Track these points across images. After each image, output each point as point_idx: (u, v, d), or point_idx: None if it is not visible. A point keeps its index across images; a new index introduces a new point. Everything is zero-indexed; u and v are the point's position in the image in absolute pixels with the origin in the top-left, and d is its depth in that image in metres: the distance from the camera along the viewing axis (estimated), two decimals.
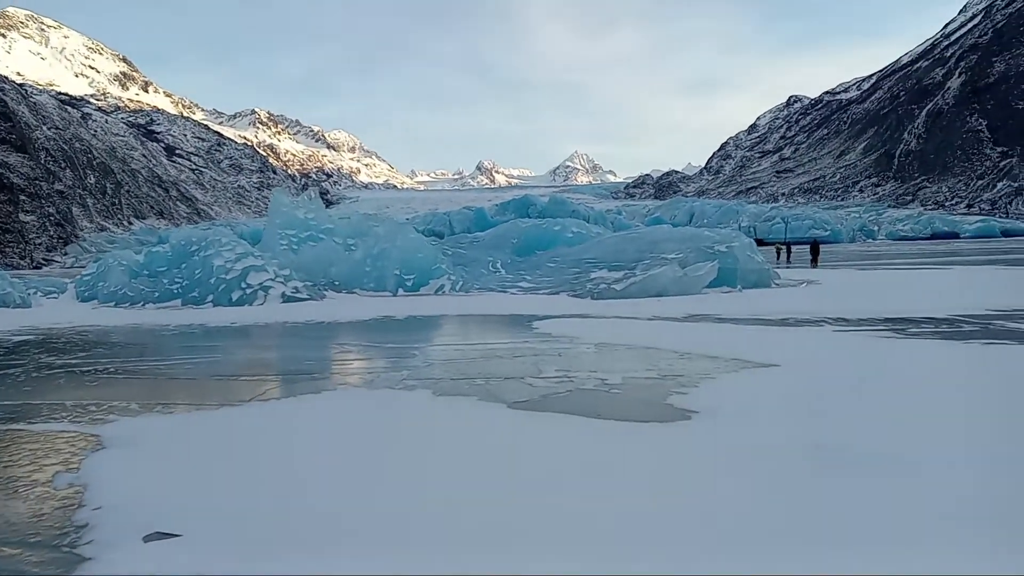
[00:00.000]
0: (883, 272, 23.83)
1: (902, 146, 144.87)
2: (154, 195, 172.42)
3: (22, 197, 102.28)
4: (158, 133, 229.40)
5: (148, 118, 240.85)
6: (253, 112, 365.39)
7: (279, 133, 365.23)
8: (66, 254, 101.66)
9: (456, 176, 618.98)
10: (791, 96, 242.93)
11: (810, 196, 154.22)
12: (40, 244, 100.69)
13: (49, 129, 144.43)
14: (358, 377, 6.60)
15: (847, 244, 70.92)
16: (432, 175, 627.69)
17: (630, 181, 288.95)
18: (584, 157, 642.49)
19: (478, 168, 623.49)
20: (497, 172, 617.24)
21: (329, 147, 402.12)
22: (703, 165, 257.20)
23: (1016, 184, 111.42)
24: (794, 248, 40.12)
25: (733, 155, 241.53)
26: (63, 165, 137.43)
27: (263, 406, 5.34)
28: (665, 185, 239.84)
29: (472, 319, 12.42)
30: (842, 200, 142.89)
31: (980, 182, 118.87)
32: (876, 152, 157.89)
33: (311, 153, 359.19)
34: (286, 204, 24.92)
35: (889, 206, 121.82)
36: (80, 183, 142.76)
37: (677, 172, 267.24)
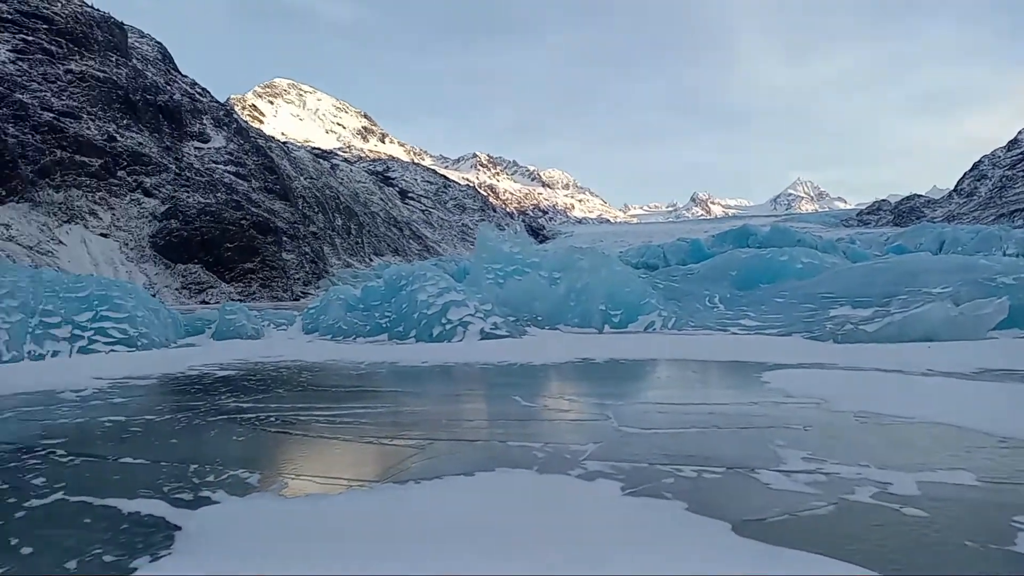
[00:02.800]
0: None
1: None
2: (390, 234, 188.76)
3: (284, 239, 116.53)
4: (393, 179, 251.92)
5: (385, 166, 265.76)
6: (474, 155, 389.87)
7: (498, 174, 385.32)
8: (318, 287, 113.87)
9: (670, 208, 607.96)
10: None
11: None
12: (298, 279, 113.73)
13: (305, 179, 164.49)
14: (525, 451, 5.09)
15: None
16: (645, 208, 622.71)
17: (863, 208, 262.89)
18: (808, 184, 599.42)
19: (692, 200, 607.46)
20: (712, 203, 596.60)
21: (544, 185, 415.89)
22: (951, 188, 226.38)
23: None
24: None
25: (989, 175, 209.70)
26: (316, 210, 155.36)
27: (396, 490, 4.02)
28: (905, 211, 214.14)
29: (685, 367, 10.49)
30: None
31: None
32: None
33: (528, 191, 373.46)
34: (492, 238, 24.61)
35: None
36: (330, 225, 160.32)
37: (920, 196, 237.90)
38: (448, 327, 16.28)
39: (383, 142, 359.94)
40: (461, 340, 15.73)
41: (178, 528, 3.37)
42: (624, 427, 5.75)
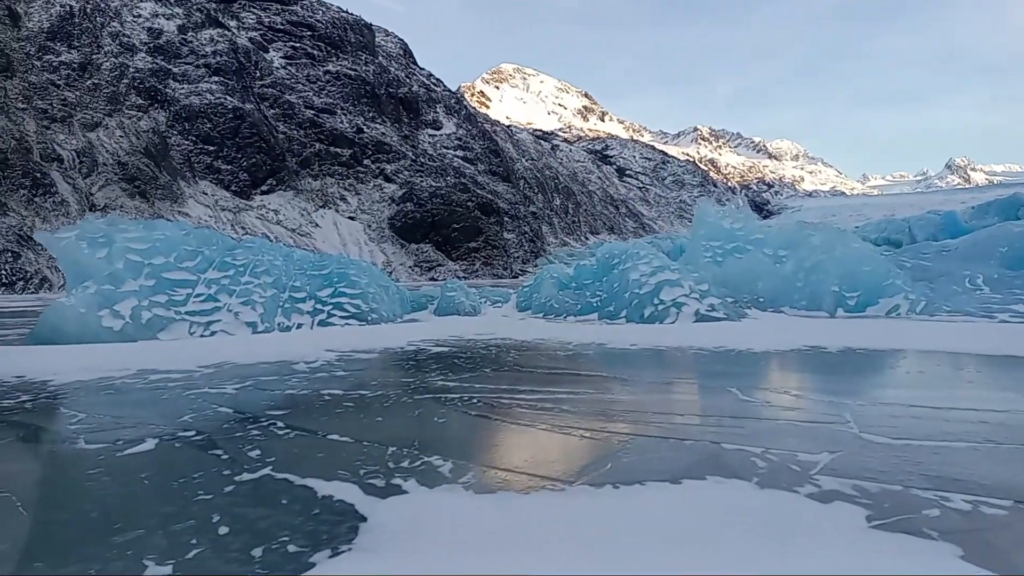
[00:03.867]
0: None
1: None
2: (607, 213, 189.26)
3: (505, 219, 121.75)
4: (611, 157, 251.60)
5: (604, 144, 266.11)
6: (695, 130, 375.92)
7: (720, 147, 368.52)
8: (536, 265, 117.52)
9: (919, 178, 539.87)
10: None
11: None
12: (518, 257, 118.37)
13: (527, 161, 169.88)
14: (742, 457, 4.43)
15: None
16: (888, 178, 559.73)
17: None
18: None
19: (947, 167, 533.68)
20: (973, 170, 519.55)
21: (771, 157, 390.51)
22: None
23: None
24: None
25: None
26: (536, 190, 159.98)
27: (592, 493, 3.63)
28: None
29: (941, 360, 8.89)
30: None
31: None
32: None
33: (752, 164, 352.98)
34: (711, 214, 23.25)
35: None
36: (548, 205, 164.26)
37: None
38: (660, 308, 15.58)
39: (602, 120, 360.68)
40: (674, 322, 14.96)
41: (364, 519, 3.27)
42: (867, 434, 4.82)
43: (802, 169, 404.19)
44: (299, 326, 15.80)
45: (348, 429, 5.26)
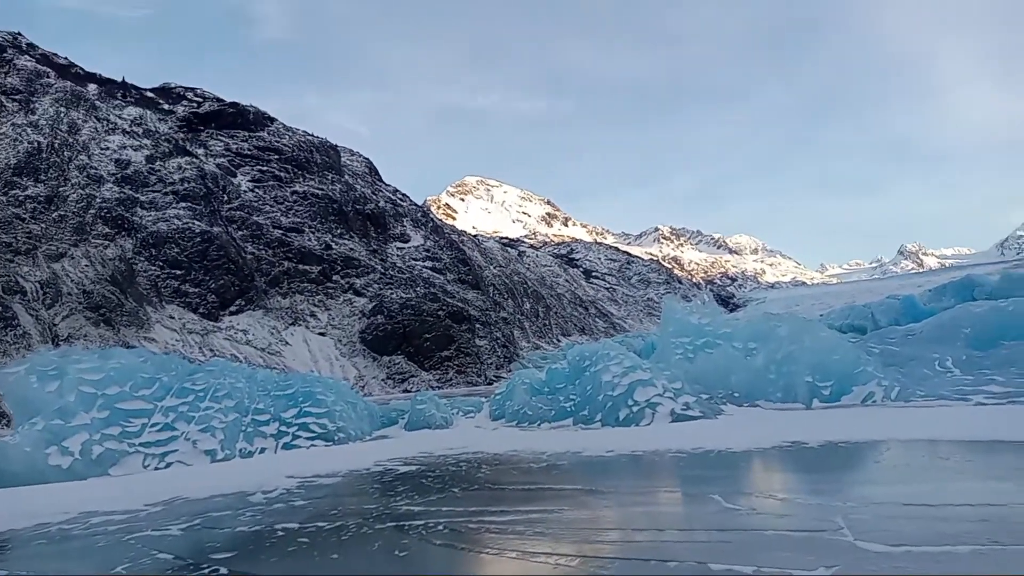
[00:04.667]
0: None
1: None
2: (577, 314, 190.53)
3: (477, 326, 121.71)
4: (577, 260, 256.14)
5: (569, 248, 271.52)
6: (657, 229, 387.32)
7: (681, 245, 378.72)
8: (509, 371, 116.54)
9: (874, 264, 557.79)
10: None
11: None
12: (491, 363, 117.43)
13: (495, 268, 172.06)
14: None
15: None
16: (845, 267, 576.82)
17: None
18: None
19: (900, 253, 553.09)
20: (925, 254, 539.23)
21: (731, 252, 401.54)
22: None
23: None
24: None
25: None
26: (506, 296, 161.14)
27: None
28: None
29: (926, 450, 8.63)
30: None
31: None
32: None
33: (714, 260, 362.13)
34: (678, 311, 23.34)
35: None
36: (519, 309, 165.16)
37: None
38: (635, 409, 15.21)
39: (566, 225, 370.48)
40: (650, 423, 14.57)
41: None
42: (862, 542, 4.47)
43: (762, 262, 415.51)
44: (262, 451, 15.05)
45: (302, 567, 4.76)
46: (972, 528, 4.60)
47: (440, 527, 5.93)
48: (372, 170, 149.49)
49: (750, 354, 19.45)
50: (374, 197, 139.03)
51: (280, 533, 6.14)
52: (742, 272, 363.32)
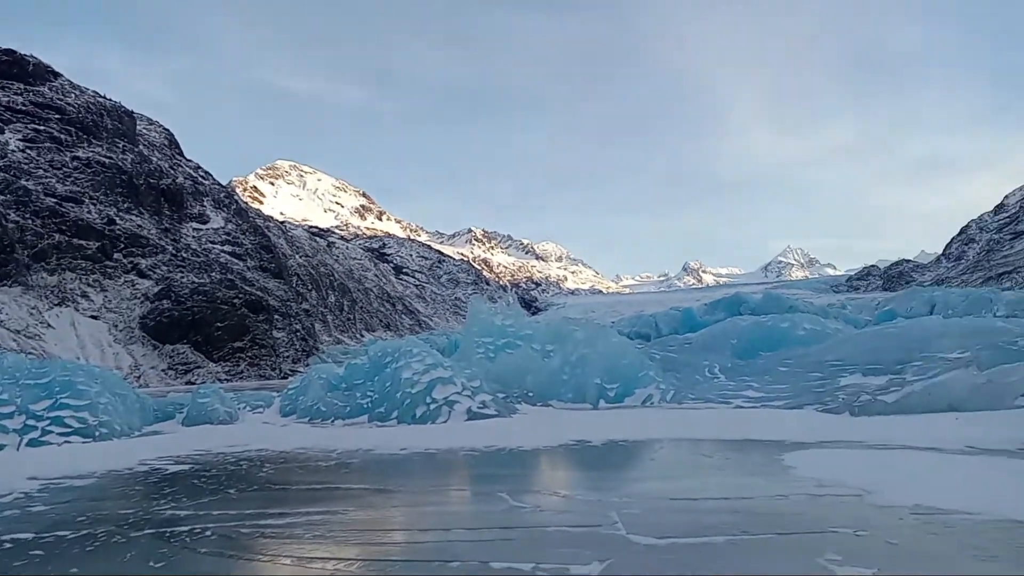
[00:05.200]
0: None
1: None
2: (383, 310, 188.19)
3: (276, 316, 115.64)
4: (388, 255, 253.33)
5: (381, 242, 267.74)
6: (469, 231, 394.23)
7: (492, 248, 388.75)
8: (307, 365, 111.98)
9: (662, 278, 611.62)
10: None
11: None
12: (288, 357, 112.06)
13: (300, 257, 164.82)
14: None
15: None
16: (637, 279, 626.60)
17: (852, 273, 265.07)
18: (798, 252, 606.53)
19: (684, 269, 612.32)
20: (704, 272, 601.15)
21: (538, 258, 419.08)
22: (940, 252, 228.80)
23: None
24: None
25: (977, 239, 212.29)
26: (310, 287, 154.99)
27: None
28: (895, 276, 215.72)
29: (693, 448, 9.42)
30: None
31: None
32: None
33: (521, 264, 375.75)
34: (483, 311, 23.72)
35: None
36: (323, 302, 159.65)
37: (909, 261, 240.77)
38: (433, 407, 15.17)
39: (380, 219, 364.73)
40: (446, 421, 14.60)
41: None
42: (635, 535, 4.69)
43: (565, 269, 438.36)
44: (1, 447, 12.97)
45: None
46: (727, 520, 5.01)
47: (208, 533, 5.39)
48: (172, 142, 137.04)
49: (547, 355, 20.24)
50: (172, 172, 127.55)
51: (8, 545, 5.24)
52: (546, 278, 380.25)
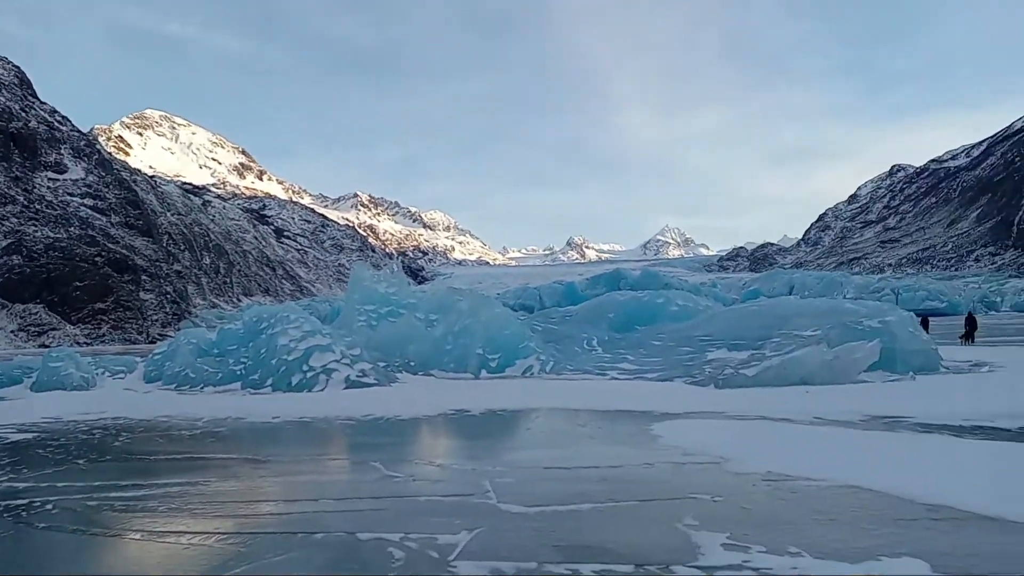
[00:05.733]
0: None
1: (1021, 213, 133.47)
2: (262, 274, 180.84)
3: (144, 277, 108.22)
4: (269, 217, 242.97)
5: (261, 203, 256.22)
6: (356, 196, 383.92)
7: (379, 214, 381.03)
8: (178, 329, 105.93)
9: (547, 252, 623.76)
10: (894, 165, 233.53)
11: (919, 266, 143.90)
12: (157, 320, 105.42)
13: (172, 215, 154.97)
14: (379, 547, 3.97)
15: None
16: (523, 251, 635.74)
17: (723, 254, 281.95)
18: (675, 231, 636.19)
19: (568, 244, 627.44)
20: (587, 247, 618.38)
21: (425, 226, 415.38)
22: (800, 237, 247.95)
23: None
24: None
25: (832, 226, 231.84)
26: (183, 247, 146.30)
27: None
28: (760, 258, 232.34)
29: (568, 418, 9.66)
30: (956, 270, 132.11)
31: None
32: (991, 220, 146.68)
33: (408, 232, 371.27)
34: (366, 278, 23.23)
35: (1011, 276, 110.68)
36: (196, 263, 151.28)
37: (772, 244, 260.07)
38: (310, 375, 14.73)
39: (261, 179, 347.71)
40: (323, 389, 14.23)
41: None
42: (506, 504, 4.73)
43: (453, 239, 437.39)
44: None
45: None
46: (595, 488, 5.16)
47: (49, 507, 4.96)
48: (24, 82, 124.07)
49: (431, 325, 20.13)
50: (23, 115, 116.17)
51: None
52: (434, 247, 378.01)
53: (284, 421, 9.80)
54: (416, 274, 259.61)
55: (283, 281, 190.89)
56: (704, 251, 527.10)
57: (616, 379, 15.70)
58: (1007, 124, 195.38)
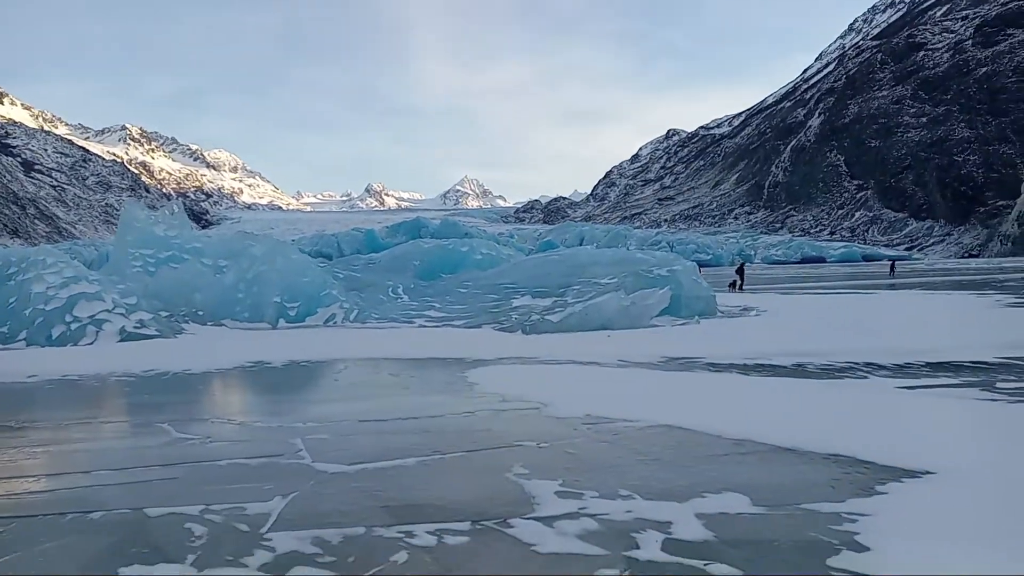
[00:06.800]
0: (813, 296, 22.52)
1: (770, 178, 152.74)
2: (8, 212, 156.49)
3: None
4: (15, 148, 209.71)
5: (4, 131, 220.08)
6: (123, 128, 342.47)
7: (153, 150, 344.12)
8: None
9: (344, 198, 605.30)
10: (670, 129, 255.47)
11: (690, 222, 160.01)
12: None
13: None
14: (174, 524, 3.40)
15: (728, 267, 72.35)
16: (319, 197, 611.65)
17: (519, 206, 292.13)
18: (474, 182, 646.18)
19: (367, 191, 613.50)
20: (387, 195, 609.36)
21: (209, 166, 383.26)
22: (589, 192, 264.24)
23: (871, 214, 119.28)
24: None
25: (617, 183, 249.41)
26: None
27: None
28: (553, 210, 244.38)
29: (379, 367, 9.28)
30: (719, 226, 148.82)
31: (840, 211, 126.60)
32: (748, 183, 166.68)
33: (189, 172, 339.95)
34: (141, 219, 20.66)
35: (762, 232, 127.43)
36: None
37: (564, 198, 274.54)
38: (75, 327, 12.83)
39: (2, 103, 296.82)
40: (92, 343, 12.46)
41: None
42: (321, 463, 4.30)
43: (241, 182, 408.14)
44: None
45: None
46: (417, 441, 4.89)
47: None
48: None
49: (220, 272, 18.47)
50: None
51: None
52: (219, 189, 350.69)
53: (44, 380, 8.35)
54: (200, 218, 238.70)
55: (36, 221, 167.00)
56: (501, 202, 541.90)
57: (424, 327, 15.51)
58: (761, 99, 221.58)
